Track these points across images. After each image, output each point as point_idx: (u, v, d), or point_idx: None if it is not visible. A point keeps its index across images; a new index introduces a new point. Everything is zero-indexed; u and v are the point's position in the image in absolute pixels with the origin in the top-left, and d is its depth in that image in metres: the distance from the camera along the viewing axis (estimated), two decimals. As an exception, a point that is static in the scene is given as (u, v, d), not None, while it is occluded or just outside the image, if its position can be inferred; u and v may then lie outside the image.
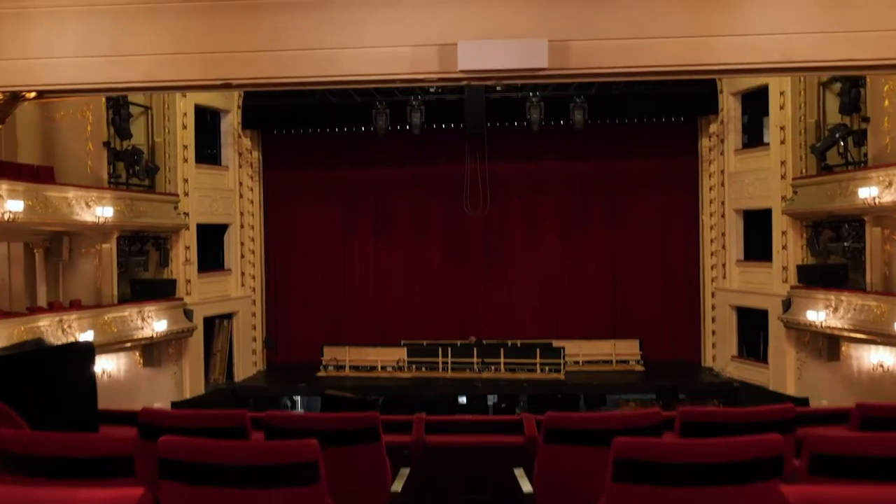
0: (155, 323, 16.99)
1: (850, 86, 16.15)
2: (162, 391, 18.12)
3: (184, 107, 18.67)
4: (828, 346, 16.85)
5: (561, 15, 8.10)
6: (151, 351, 17.75)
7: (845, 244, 16.07)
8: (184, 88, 13.36)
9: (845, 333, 15.75)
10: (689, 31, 8.11)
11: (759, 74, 14.42)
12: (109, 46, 8.42)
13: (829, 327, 16.00)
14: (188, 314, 18.19)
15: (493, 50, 7.90)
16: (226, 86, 9.05)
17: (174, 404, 17.20)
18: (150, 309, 17.06)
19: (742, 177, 19.49)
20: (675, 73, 8.94)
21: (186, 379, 18.57)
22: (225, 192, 20.34)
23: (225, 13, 8.35)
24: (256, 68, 8.55)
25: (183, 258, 18.60)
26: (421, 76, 8.49)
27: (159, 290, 17.76)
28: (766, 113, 19.07)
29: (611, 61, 8.18)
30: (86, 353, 6.44)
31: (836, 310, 15.93)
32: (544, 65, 7.92)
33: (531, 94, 19.00)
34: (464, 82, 9.68)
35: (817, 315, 16.01)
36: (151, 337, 16.97)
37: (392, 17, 8.30)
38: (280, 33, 8.39)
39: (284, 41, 8.39)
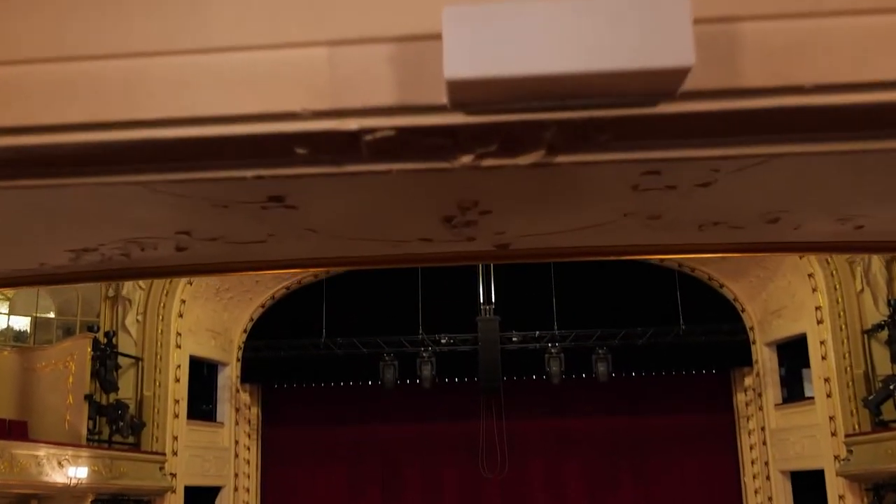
0: None
1: (901, 332, 14.85)
2: None
3: (178, 358, 17.49)
4: None
5: None
6: None
7: (918, 512, 14.02)
8: None
9: None
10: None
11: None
12: None
13: None
14: None
15: (530, 25, 1.75)
16: None
17: None
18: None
19: (786, 434, 17.69)
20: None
21: None
22: (219, 450, 18.63)
23: None
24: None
25: (165, 526, 16.63)
26: (352, 122, 1.96)
27: (132, 566, 15.68)
28: (806, 364, 17.66)
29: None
30: None
31: (915, 591, 13.60)
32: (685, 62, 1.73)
33: (550, 345, 17.76)
34: (458, 156, 2.08)
35: None
36: None
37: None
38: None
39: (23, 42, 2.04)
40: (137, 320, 17.19)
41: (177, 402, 17.30)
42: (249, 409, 19.77)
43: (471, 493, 19.68)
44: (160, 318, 17.32)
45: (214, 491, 18.61)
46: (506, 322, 17.16)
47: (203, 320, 18.43)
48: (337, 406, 19.94)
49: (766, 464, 18.25)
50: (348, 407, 19.92)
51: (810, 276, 16.97)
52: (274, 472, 19.91)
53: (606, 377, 17.77)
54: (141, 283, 17.31)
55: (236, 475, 19.01)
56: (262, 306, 19.84)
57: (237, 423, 19.31)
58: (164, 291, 17.45)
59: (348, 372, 19.09)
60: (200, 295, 18.20)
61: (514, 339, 18.05)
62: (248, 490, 19.31)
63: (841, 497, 15.88)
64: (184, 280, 17.63)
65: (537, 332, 18.01)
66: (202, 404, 18.90)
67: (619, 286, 19.18)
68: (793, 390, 18.34)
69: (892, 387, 14.88)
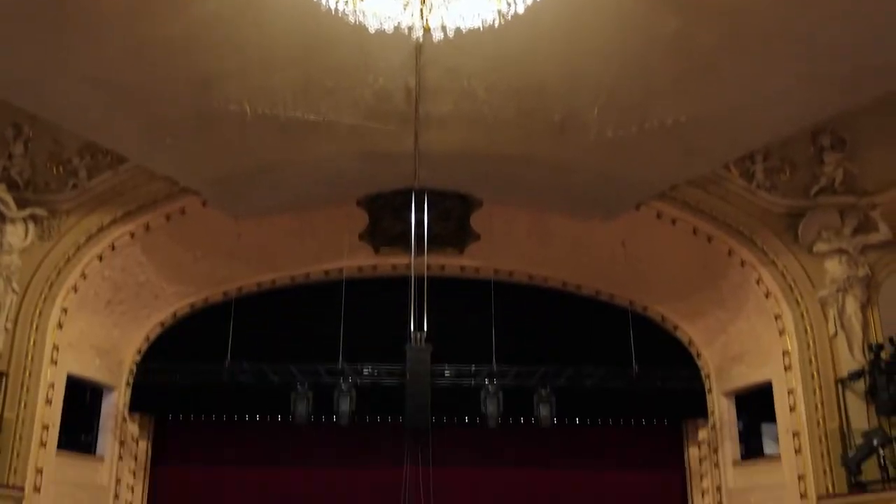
0: None
1: (888, 380, 13.14)
2: None
3: (52, 376, 14.83)
4: None
5: None
6: None
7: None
8: None
9: None
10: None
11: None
12: None
13: None
14: None
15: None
16: None
17: None
18: None
19: (747, 495, 15.78)
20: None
21: None
22: (95, 490, 15.88)
23: None
24: None
25: (19, 577, 13.81)
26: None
27: None
28: (766, 417, 15.88)
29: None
30: None
31: None
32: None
33: (487, 381, 15.63)
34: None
35: None
36: None
37: None
38: None
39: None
40: (6, 328, 14.55)
41: (45, 427, 14.58)
42: (137, 442, 17.09)
43: (389, 551, 17.25)
44: (34, 327, 14.69)
45: (86, 537, 15.85)
46: (438, 354, 14.95)
47: (88, 335, 15.85)
48: (240, 444, 17.42)
49: (722, 528, 16.30)
50: (254, 445, 17.41)
51: (777, 317, 15.27)
52: (161, 518, 17.22)
53: (549, 423, 15.74)
54: (15, 284, 14.78)
55: (115, 519, 16.29)
56: (162, 325, 17.34)
57: (121, 458, 16.60)
58: (42, 297, 14.88)
59: (255, 403, 16.65)
60: (87, 305, 15.66)
61: (447, 373, 15.92)
62: (127, 538, 16.58)
63: (814, 571, 13.97)
64: (67, 285, 15.16)
65: (473, 367, 15.91)
66: (80, 434, 16.20)
67: (567, 320, 17.32)
68: (752, 446, 16.53)
69: (875, 443, 13.09)
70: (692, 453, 17.33)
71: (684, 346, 17.42)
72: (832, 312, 14.71)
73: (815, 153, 14.94)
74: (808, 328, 14.81)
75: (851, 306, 14.63)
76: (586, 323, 17.35)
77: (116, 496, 16.39)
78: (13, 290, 14.75)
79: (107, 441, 16.43)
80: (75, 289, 15.29)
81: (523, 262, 17.31)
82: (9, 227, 14.73)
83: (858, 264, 14.58)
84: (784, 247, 15.08)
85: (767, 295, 15.40)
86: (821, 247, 14.82)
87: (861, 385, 14.11)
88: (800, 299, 14.96)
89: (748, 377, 16.06)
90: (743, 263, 15.41)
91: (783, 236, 15.10)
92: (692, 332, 17.32)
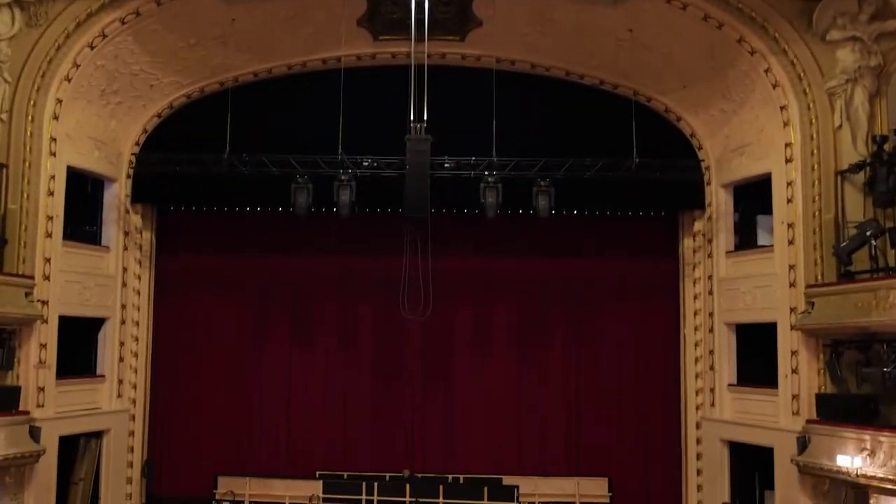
0: (-21, 446, 12.73)
1: (888, 172, 13.13)
2: (-9, 535, 13.70)
3: (52, 167, 14.82)
4: (854, 498, 13.28)
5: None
6: (-22, 481, 13.37)
7: (886, 370, 12.64)
8: None
9: (887, 485, 12.18)
10: None
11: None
12: None
13: (863, 475, 12.43)
14: (34, 433, 13.89)
15: None
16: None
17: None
18: (-26, 426, 12.83)
19: (736, 284, 16.17)
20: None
21: (28, 518, 14.14)
22: (102, 278, 16.29)
23: None
24: None
25: (36, 359, 14.39)
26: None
27: (-6, 401, 13.55)
28: (763, 209, 16.01)
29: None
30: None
31: (872, 454, 12.42)
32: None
33: (486, 173, 15.57)
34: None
35: (851, 460, 12.46)
36: (-28, 464, 12.69)
37: None
38: None
39: None
40: (1, 119, 14.40)
41: (50, 218, 14.75)
42: (141, 233, 17.35)
43: (390, 335, 17.98)
44: (29, 118, 14.53)
45: (96, 323, 16.39)
46: (438, 146, 14.83)
47: (85, 126, 15.67)
48: (242, 234, 17.77)
49: (711, 315, 16.81)
50: (255, 235, 17.73)
51: (783, 108, 15.04)
52: (168, 305, 17.78)
53: (547, 213, 15.75)
54: (7, 73, 14.46)
55: (123, 306, 16.79)
56: (158, 116, 17.16)
57: (126, 249, 16.92)
58: (35, 87, 14.60)
59: (256, 195, 16.70)
60: (81, 95, 15.39)
61: (447, 164, 15.80)
62: (137, 324, 17.17)
63: (794, 352, 14.51)
64: (60, 75, 14.83)
65: (473, 158, 15.79)
66: (84, 225, 16.41)
67: (568, 112, 17.09)
68: (746, 238, 16.75)
69: (868, 233, 13.26)
70: (686, 244, 17.62)
71: (685, 139, 17.29)
72: (839, 104, 14.50)
73: (836, -66, 14.20)
74: (814, 120, 14.63)
75: (859, 97, 14.41)
76: (588, 114, 17.10)
77: (124, 284, 16.84)
78: (5, 80, 14.50)
79: (111, 232, 16.66)
80: (68, 78, 14.98)
81: (526, 51, 16.84)
82: (-6, 14, 14.24)
83: (871, 53, 14.21)
84: (796, 34, 14.61)
85: (775, 85, 15.09)
86: (834, 34, 14.37)
87: (860, 177, 14.14)
88: (808, 90, 14.68)
89: (748, 169, 16.04)
90: (752, 52, 15.00)
91: (796, 23, 14.61)
92: (695, 123, 17.13)
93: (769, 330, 15.15)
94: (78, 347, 15.97)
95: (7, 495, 13.86)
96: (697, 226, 17.40)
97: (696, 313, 17.28)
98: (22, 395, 14.09)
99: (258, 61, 16.89)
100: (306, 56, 16.90)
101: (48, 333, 14.63)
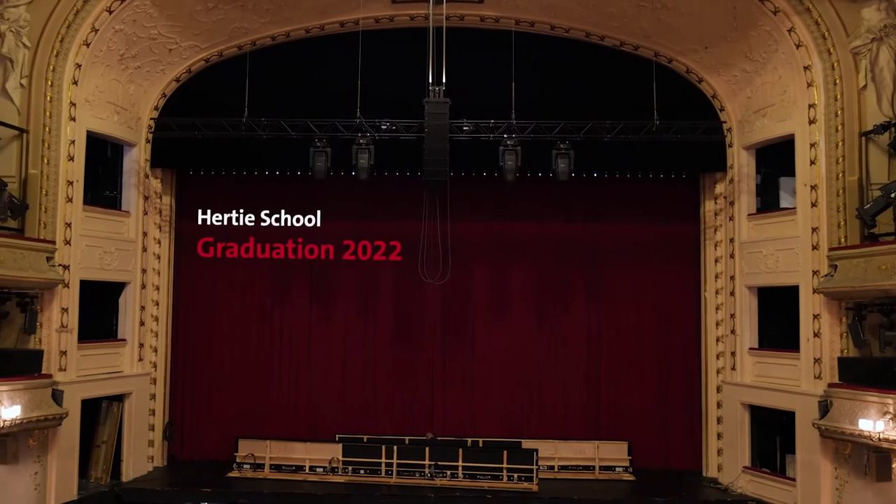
0: (4, 409, 12.85)
1: (914, 132, 12.93)
2: (17, 497, 13.89)
3: (72, 132, 14.84)
4: (877, 462, 13.20)
5: None
6: (4, 444, 13.52)
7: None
8: None
9: (909, 449, 12.15)
10: None
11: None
12: None
13: (886, 439, 12.36)
14: (57, 396, 14.05)
15: None
16: None
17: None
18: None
19: (758, 247, 16.02)
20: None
21: (52, 480, 14.34)
22: (123, 242, 16.37)
23: None
24: None
25: (58, 323, 14.53)
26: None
27: (18, 365, 13.67)
28: (785, 171, 15.84)
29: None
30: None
31: (895, 417, 12.34)
32: None
33: (506, 136, 15.45)
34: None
35: (873, 424, 12.39)
36: (-1, 427, 12.85)
37: None
38: None
39: None
40: (21, 84, 14.42)
41: (70, 183, 14.80)
42: (161, 197, 17.40)
43: (409, 300, 18.00)
44: (49, 83, 14.52)
45: (117, 287, 16.50)
46: (457, 108, 14.73)
47: (104, 91, 15.66)
48: (261, 197, 17.71)
49: (732, 278, 16.71)
50: (275, 199, 17.70)
51: (806, 69, 14.80)
52: (188, 270, 17.87)
53: (567, 176, 15.63)
54: (26, 39, 14.45)
55: (144, 271, 16.89)
56: (177, 80, 17.11)
57: (146, 213, 16.99)
58: (55, 52, 14.58)
59: (275, 159, 16.72)
60: (100, 60, 15.36)
61: (466, 127, 15.71)
62: (157, 288, 17.27)
63: (816, 316, 14.40)
64: (79, 40, 14.80)
65: (492, 122, 15.68)
66: (104, 190, 16.48)
67: (587, 74, 16.89)
68: (768, 200, 16.59)
69: (892, 195, 13.06)
70: (708, 206, 17.45)
71: (707, 100, 17.06)
72: (864, 63, 14.25)
73: None
74: (838, 80, 14.38)
75: (885, 57, 14.14)
76: (608, 76, 16.89)
77: (144, 249, 16.92)
78: (24, 45, 14.48)
79: (131, 196, 16.71)
80: (87, 43, 14.94)
81: (545, 12, 16.61)
82: (10, -23, 14.22)
83: (897, 11, 13.95)
84: (821, -7, 14.36)
85: (798, 45, 14.84)
86: (860, -8, 14.12)
87: (885, 139, 13.93)
88: (832, 49, 14.42)
89: (771, 131, 15.82)
90: (775, 11, 14.73)
91: (821, -21, 14.34)
92: (717, 84, 16.89)
93: (791, 293, 15.04)
94: (99, 312, 16.14)
95: (31, 458, 14.07)
96: (719, 188, 17.23)
97: (717, 276, 17.16)
98: (44, 359, 14.23)
99: (276, 24, 16.76)
100: (324, 19, 16.76)
101: (70, 298, 14.75)
